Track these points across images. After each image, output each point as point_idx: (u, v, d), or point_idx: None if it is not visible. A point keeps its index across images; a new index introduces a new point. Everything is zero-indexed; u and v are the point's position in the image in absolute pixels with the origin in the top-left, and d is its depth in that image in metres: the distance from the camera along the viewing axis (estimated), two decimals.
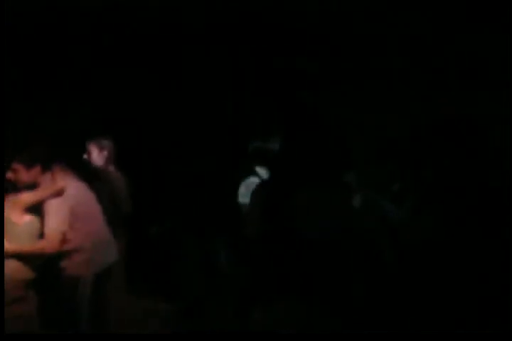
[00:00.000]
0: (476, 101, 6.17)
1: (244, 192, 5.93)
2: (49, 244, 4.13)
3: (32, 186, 4.30)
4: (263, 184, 5.77)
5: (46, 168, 4.32)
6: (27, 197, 4.18)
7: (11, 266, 4.07)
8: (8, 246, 4.04)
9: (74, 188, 4.35)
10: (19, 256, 4.09)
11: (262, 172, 6.03)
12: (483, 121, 6.04)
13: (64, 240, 4.18)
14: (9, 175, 4.25)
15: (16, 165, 4.22)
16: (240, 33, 7.17)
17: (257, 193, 5.67)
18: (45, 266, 4.36)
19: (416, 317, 4.79)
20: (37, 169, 4.26)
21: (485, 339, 4.39)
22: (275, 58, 7.33)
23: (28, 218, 4.18)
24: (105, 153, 5.24)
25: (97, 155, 5.22)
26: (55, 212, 4.14)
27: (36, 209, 4.23)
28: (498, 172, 5.50)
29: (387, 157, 6.11)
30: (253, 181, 5.92)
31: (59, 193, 4.20)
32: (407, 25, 6.45)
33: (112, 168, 5.32)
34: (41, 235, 4.19)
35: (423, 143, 6.15)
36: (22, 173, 4.24)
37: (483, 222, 5.18)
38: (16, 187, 4.31)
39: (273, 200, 5.60)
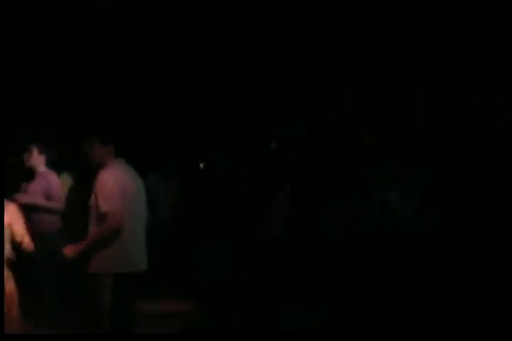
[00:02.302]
0: (482, 103, 6.20)
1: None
2: (114, 221, 4.14)
3: (100, 165, 4.39)
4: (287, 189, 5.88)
5: (119, 150, 4.44)
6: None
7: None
8: None
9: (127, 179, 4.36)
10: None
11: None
12: (487, 122, 6.07)
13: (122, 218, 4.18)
14: (86, 147, 4.40)
15: (95, 140, 4.38)
16: (241, 34, 7.20)
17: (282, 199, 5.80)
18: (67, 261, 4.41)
19: (418, 317, 4.83)
20: (110, 149, 4.41)
21: (485, 339, 4.44)
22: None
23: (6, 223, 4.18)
24: (43, 156, 5.65)
25: (36, 158, 5.62)
26: (112, 192, 4.18)
27: None
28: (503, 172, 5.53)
29: (390, 157, 6.17)
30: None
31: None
32: (412, 26, 6.47)
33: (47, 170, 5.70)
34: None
35: (425, 143, 6.20)
36: (97, 149, 4.39)
37: (485, 221, 5.22)
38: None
39: (299, 206, 5.70)
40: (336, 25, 6.82)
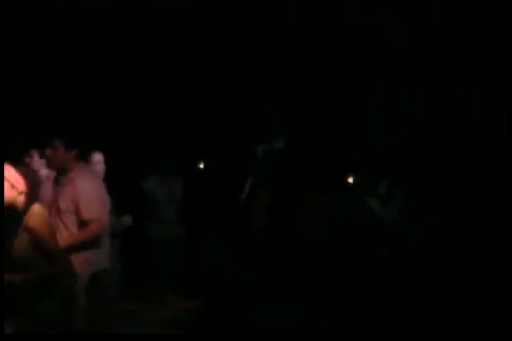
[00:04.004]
0: (475, 102, 6.19)
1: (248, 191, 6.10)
2: (98, 227, 4.19)
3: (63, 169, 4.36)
4: (268, 185, 5.86)
5: (82, 155, 4.42)
6: None
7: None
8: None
9: (92, 182, 4.39)
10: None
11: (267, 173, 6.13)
12: (480, 122, 6.07)
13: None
14: (48, 151, 4.36)
15: (58, 144, 4.32)
16: (240, 34, 7.20)
17: (262, 194, 5.78)
18: None
19: (416, 317, 4.83)
20: (74, 153, 4.35)
21: (485, 339, 4.44)
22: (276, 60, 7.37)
23: None
24: (44, 160, 5.66)
25: (37, 161, 5.67)
26: (94, 199, 4.20)
27: None
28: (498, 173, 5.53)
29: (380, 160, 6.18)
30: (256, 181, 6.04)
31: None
32: (405, 24, 6.47)
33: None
34: None
35: (415, 145, 6.20)
36: (60, 153, 4.34)
37: (478, 222, 5.23)
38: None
39: (278, 202, 5.69)
40: (335, 25, 6.83)
